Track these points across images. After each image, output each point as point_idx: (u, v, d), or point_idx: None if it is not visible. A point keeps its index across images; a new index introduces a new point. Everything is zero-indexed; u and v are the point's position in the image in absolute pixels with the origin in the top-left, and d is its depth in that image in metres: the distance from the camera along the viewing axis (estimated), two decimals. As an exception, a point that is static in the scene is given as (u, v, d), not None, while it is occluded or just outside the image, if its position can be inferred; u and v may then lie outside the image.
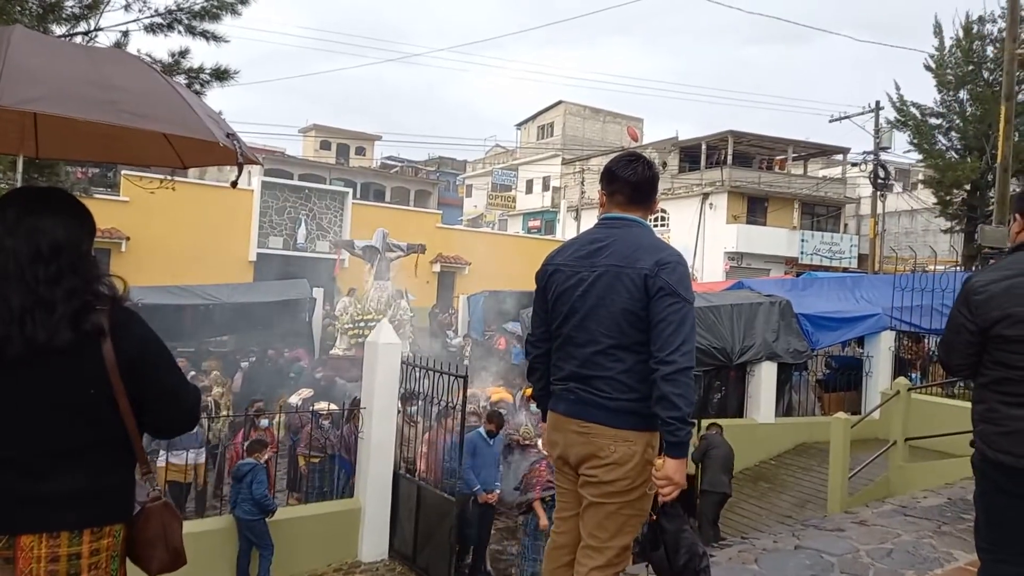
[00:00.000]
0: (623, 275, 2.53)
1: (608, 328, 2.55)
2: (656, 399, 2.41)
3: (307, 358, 14.53)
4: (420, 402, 8.57)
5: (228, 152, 2.27)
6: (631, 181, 2.70)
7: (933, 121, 21.33)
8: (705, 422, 9.33)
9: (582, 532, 2.65)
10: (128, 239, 20.91)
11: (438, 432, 8.24)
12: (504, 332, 17.93)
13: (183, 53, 6.76)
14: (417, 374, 8.36)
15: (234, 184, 2.63)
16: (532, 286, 2.97)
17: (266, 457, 7.44)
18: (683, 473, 2.44)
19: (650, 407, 2.45)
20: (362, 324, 15.29)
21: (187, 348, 14.53)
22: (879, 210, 26.22)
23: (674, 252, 2.61)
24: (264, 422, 8.67)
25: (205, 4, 6.68)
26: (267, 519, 7.13)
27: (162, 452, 8.19)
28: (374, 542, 7.94)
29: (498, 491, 7.92)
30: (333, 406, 9.35)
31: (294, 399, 10.15)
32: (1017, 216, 2.68)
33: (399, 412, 8.58)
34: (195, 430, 8.03)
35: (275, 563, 7.16)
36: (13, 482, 1.75)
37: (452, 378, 7.78)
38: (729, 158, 30.25)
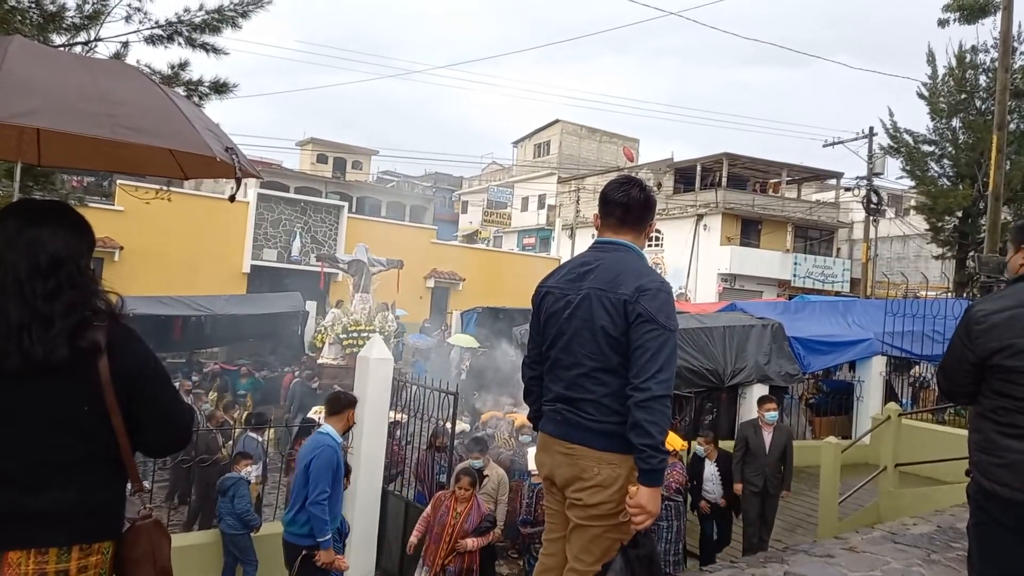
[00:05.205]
0: (604, 299, 2.53)
1: (591, 351, 2.55)
2: (630, 426, 2.40)
3: (260, 372, 14.41)
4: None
5: (228, 166, 2.27)
6: (622, 203, 2.71)
7: (926, 148, 21.48)
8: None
9: (568, 555, 2.64)
10: (122, 248, 20.88)
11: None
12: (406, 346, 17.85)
13: (183, 65, 6.76)
14: (409, 389, 8.34)
15: (232, 198, 2.64)
16: (525, 303, 2.97)
17: (250, 470, 7.37)
18: (657, 502, 2.40)
19: None
20: (355, 335, 15.37)
21: (178, 359, 14.47)
22: (871, 235, 26.40)
23: (656, 278, 2.59)
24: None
25: (206, 17, 6.68)
26: (252, 534, 7.07)
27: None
28: (361, 559, 7.84)
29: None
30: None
31: (311, 415, 10.01)
32: (1022, 247, 2.67)
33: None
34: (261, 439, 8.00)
35: (260, 579, 7.08)
36: (3, 496, 1.73)
37: (443, 395, 7.75)
38: (724, 180, 30.43)
